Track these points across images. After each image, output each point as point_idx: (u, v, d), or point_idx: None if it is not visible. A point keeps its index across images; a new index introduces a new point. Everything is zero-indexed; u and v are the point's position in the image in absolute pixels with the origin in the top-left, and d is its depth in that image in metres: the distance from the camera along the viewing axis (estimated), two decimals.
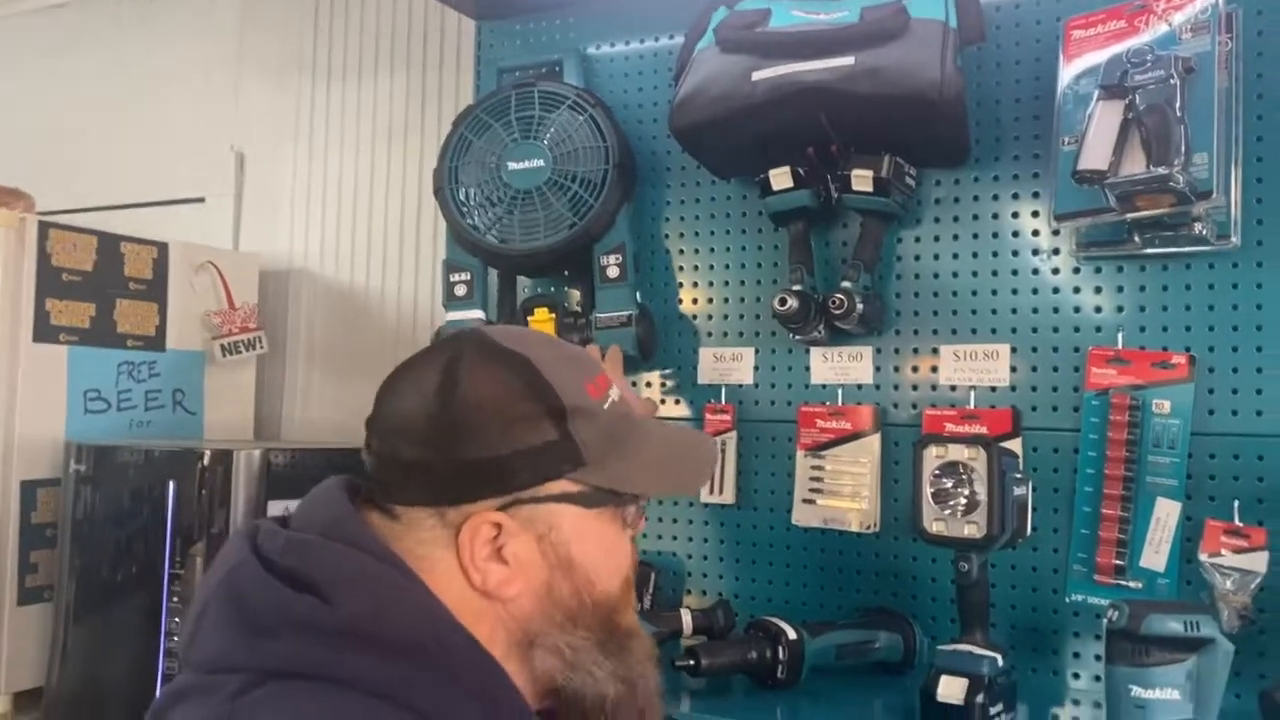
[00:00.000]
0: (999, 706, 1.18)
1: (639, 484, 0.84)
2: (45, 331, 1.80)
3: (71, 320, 1.84)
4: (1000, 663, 1.19)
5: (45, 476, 1.79)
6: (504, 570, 0.79)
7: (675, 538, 1.67)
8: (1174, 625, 1.07)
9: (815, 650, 1.35)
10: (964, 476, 1.19)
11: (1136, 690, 1.08)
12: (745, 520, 1.63)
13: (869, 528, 1.51)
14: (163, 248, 1.99)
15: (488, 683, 0.76)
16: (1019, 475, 1.22)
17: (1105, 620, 1.13)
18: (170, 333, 2.00)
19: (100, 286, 1.88)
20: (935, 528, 1.21)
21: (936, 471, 1.21)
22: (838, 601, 1.56)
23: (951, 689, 1.17)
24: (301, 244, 2.27)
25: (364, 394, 0.87)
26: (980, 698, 1.16)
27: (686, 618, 1.47)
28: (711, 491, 1.62)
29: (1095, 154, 1.28)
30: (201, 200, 2.39)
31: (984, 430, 1.45)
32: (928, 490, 1.21)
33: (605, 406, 0.84)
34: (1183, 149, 1.23)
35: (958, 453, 1.20)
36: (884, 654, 1.42)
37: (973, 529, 1.18)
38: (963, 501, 1.19)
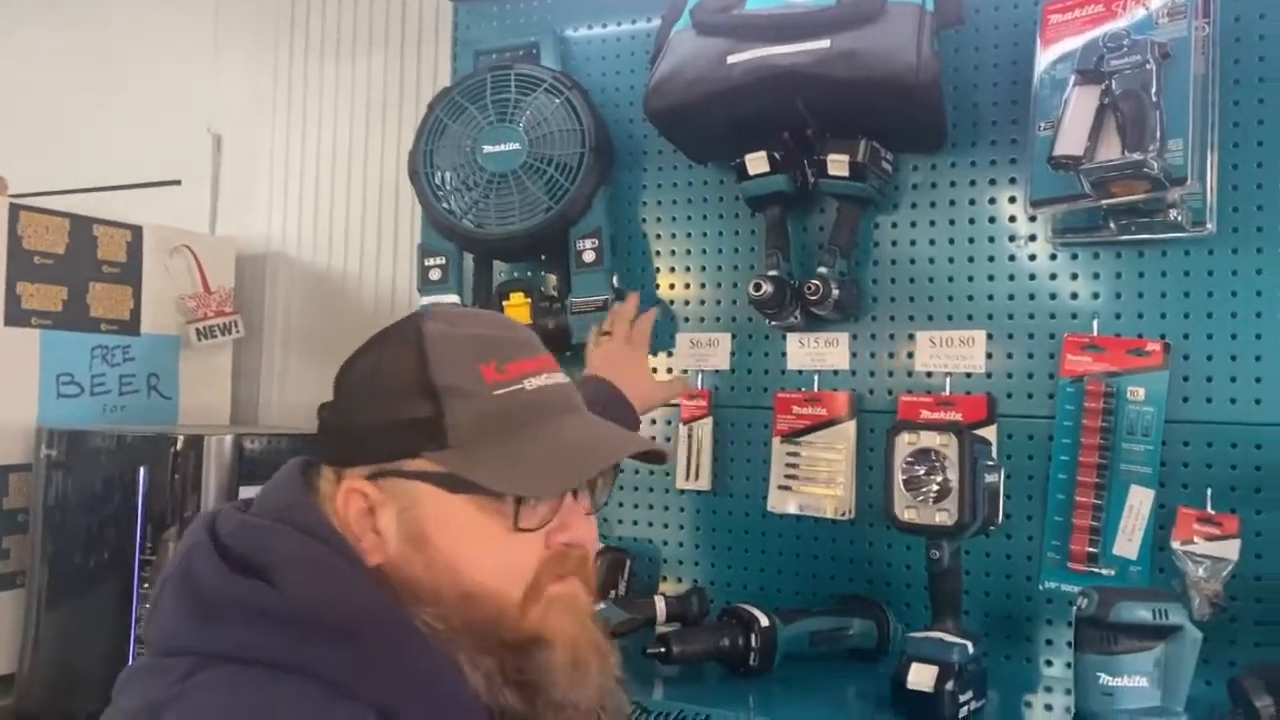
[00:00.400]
0: (969, 694, 1.18)
1: (496, 478, 0.77)
2: (17, 315, 1.78)
3: (43, 304, 1.82)
4: (971, 650, 1.19)
5: (17, 461, 1.77)
6: (373, 539, 0.79)
7: (651, 524, 1.66)
8: (1142, 613, 1.07)
9: (788, 637, 1.35)
10: (936, 464, 1.19)
11: (1105, 678, 1.08)
12: (721, 507, 1.62)
13: (844, 515, 1.50)
14: (136, 231, 1.97)
15: (428, 670, 0.75)
16: (991, 462, 1.22)
17: (1075, 608, 1.12)
18: (145, 316, 1.98)
19: (73, 270, 1.86)
20: (907, 515, 1.20)
21: (909, 459, 1.21)
22: (813, 588, 1.55)
23: (921, 676, 1.17)
24: (279, 227, 2.25)
25: None
26: (950, 685, 1.16)
27: (660, 604, 1.46)
28: (688, 478, 1.62)
29: (1071, 139, 1.27)
30: (178, 183, 2.37)
31: (959, 417, 1.44)
32: (900, 477, 1.21)
33: (498, 392, 0.80)
34: (1158, 135, 1.22)
35: (929, 439, 1.19)
36: (858, 641, 1.42)
37: (944, 516, 1.18)
38: (934, 489, 1.19)
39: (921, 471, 1.20)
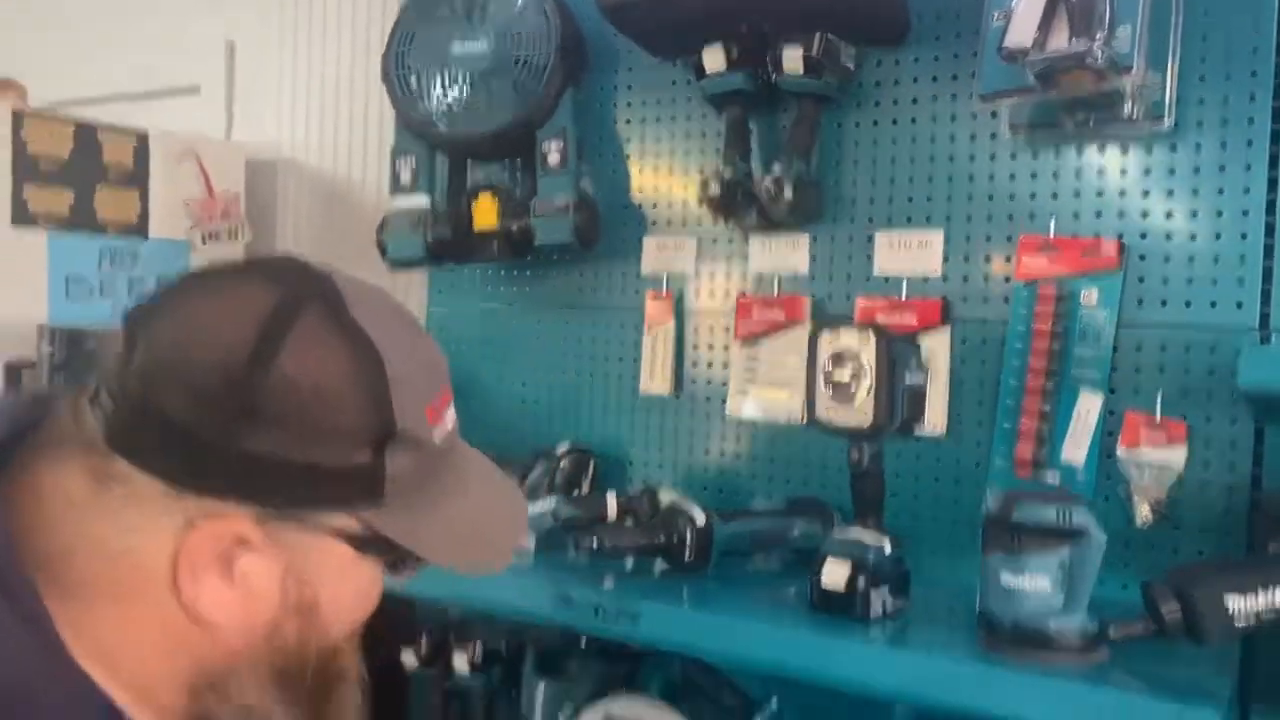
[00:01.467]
0: (883, 591, 1.17)
1: (433, 550, 0.68)
2: (23, 217, 1.85)
3: (50, 207, 1.89)
4: (888, 550, 1.18)
5: (31, 358, 1.86)
6: (224, 591, 0.62)
7: (618, 426, 1.67)
8: (1047, 514, 1.05)
9: (726, 535, 1.35)
10: (856, 364, 1.17)
11: (1007, 577, 1.07)
12: (683, 409, 1.62)
13: (797, 419, 1.49)
14: (142, 137, 2.01)
15: None
16: (915, 363, 1.19)
17: (983, 508, 1.11)
18: (153, 221, 2.04)
19: (78, 174, 1.92)
20: (826, 415, 1.19)
21: (831, 359, 1.19)
22: (770, 491, 1.55)
23: (835, 574, 1.17)
24: (288, 133, 2.28)
25: None
26: (862, 583, 1.16)
27: (611, 502, 1.48)
28: (651, 381, 1.62)
29: (1021, 30, 1.21)
30: (197, 90, 2.41)
31: (914, 320, 1.42)
32: (821, 378, 1.19)
33: (438, 439, 0.67)
34: (1106, 21, 1.16)
35: (849, 339, 1.17)
36: (801, 542, 1.42)
37: (860, 417, 1.16)
38: (854, 390, 1.17)
39: (844, 373, 1.18)
